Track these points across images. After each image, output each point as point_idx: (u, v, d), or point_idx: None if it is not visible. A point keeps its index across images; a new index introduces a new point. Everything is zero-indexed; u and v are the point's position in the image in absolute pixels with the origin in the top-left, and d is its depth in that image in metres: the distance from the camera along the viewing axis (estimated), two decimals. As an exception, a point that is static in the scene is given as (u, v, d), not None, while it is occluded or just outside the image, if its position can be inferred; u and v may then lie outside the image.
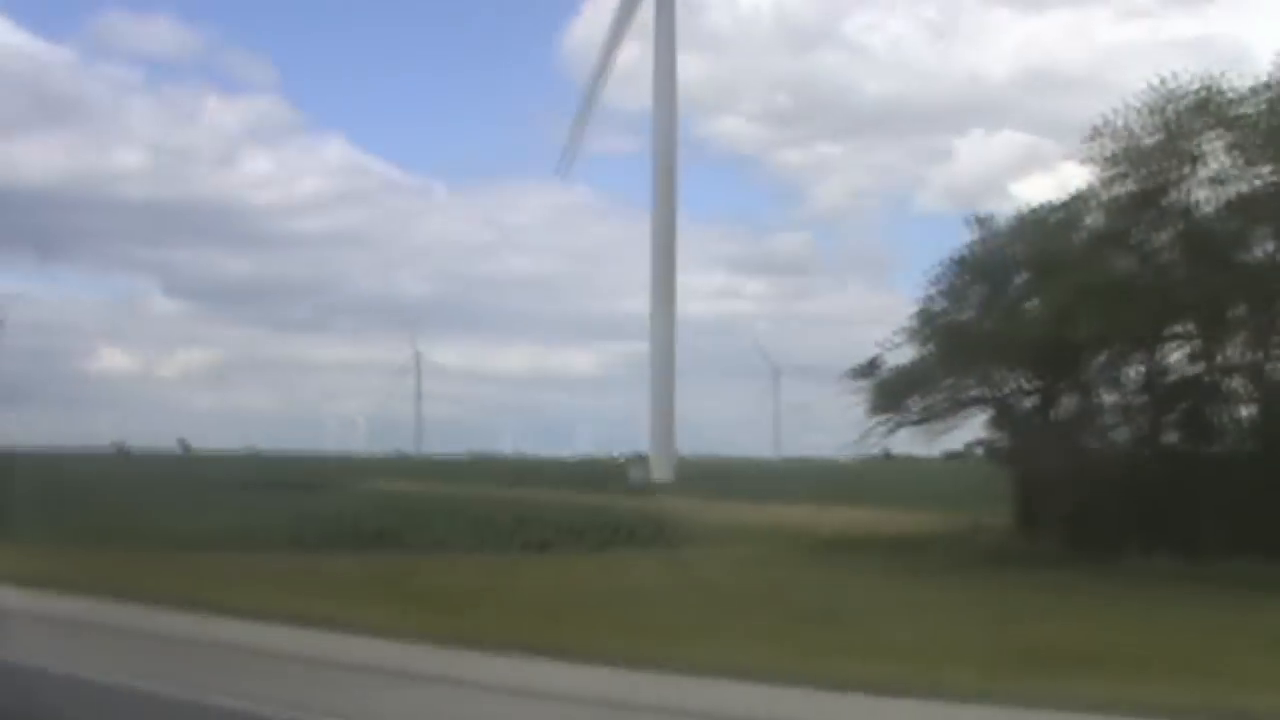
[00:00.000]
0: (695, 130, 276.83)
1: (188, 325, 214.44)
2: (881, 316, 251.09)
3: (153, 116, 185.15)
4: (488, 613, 13.52)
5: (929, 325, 22.65)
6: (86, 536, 21.81)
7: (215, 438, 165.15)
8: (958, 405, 22.81)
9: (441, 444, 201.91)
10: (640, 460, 57.87)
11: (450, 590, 16.09)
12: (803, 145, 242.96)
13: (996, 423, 23.29)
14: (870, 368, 23.57)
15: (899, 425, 23.28)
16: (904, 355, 23.54)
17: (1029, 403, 22.48)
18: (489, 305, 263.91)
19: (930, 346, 22.80)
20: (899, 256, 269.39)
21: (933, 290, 22.80)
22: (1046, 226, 21.45)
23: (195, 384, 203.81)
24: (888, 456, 46.54)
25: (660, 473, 54.41)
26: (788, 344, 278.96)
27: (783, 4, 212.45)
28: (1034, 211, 22.10)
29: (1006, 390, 22.51)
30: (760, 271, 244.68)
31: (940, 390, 22.72)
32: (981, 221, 22.73)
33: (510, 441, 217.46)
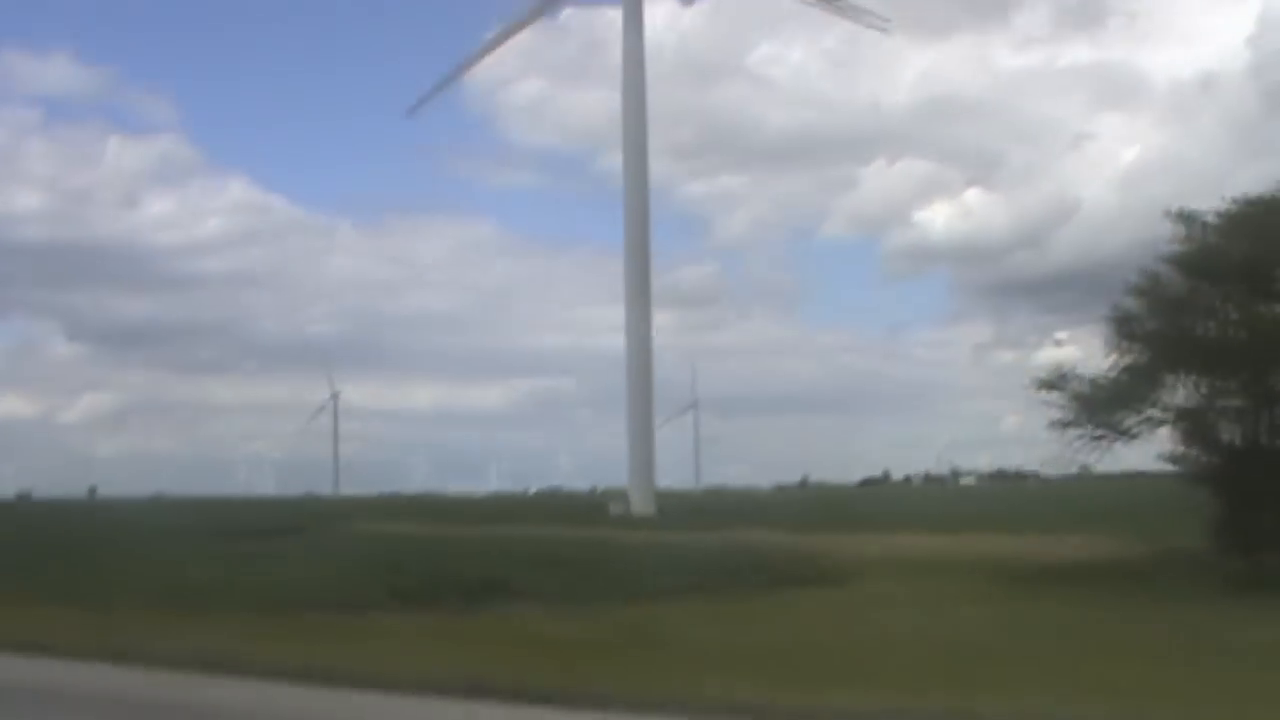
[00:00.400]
0: (598, 164, 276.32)
1: (90, 369, 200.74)
2: (788, 346, 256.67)
3: (51, 157, 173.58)
4: (819, 673, 11.45)
5: (1135, 331, 20.73)
6: (115, 597, 18.28)
7: (120, 484, 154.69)
8: (1165, 418, 20.88)
9: (351, 484, 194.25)
10: (620, 494, 54.85)
11: (731, 647, 13.62)
12: (707, 178, 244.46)
13: (1194, 436, 21.42)
14: (1061, 380, 21.48)
15: (1098, 439, 21.20)
16: (1089, 367, 21.62)
17: (1244, 414, 20.68)
18: (396, 343, 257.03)
19: (1133, 355, 20.87)
20: (805, 286, 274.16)
21: (1134, 294, 20.93)
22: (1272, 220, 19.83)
23: (98, 429, 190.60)
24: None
25: (641, 506, 51.63)
26: (694, 376, 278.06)
27: (685, 37, 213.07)
28: (1251, 205, 20.46)
29: (1224, 401, 20.66)
30: (666, 304, 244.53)
31: (1146, 402, 20.77)
32: (1185, 218, 20.94)
33: (421, 480, 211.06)
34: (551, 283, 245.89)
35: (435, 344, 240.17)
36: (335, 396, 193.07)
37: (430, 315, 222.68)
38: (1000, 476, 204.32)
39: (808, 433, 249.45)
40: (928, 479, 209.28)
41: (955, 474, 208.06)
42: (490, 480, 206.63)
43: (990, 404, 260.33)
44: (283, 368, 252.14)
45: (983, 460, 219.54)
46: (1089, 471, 32.86)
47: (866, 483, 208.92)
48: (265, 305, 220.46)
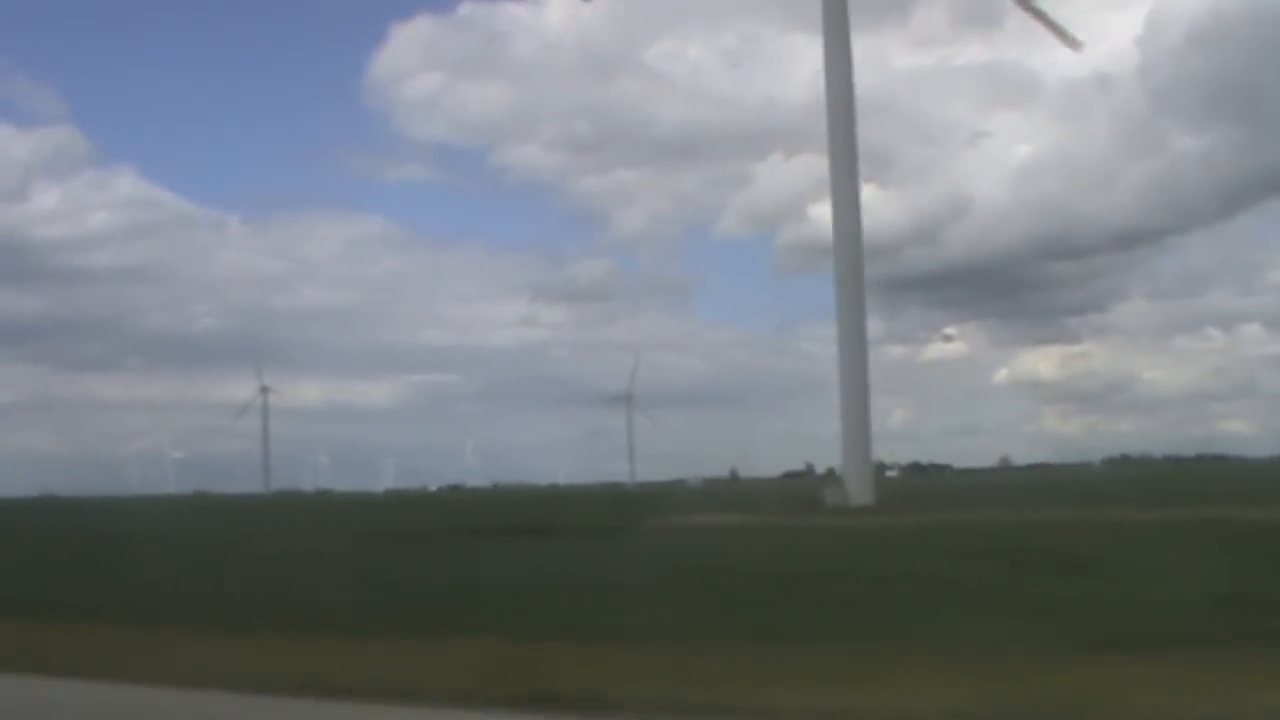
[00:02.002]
0: (494, 159, 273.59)
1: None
2: (680, 340, 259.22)
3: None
4: None
5: None
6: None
7: (3, 484, 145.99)
8: None
9: (241, 483, 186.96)
10: (836, 480, 56.41)
11: None
12: (603, 172, 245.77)
13: None
14: None
15: None
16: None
17: None
18: (283, 339, 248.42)
19: None
20: (700, 280, 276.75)
21: None
22: None
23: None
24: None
25: (859, 494, 53.23)
26: (587, 370, 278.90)
27: (585, 33, 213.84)
28: None
29: None
30: (561, 299, 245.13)
31: None
32: None
33: (311, 477, 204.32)
34: (441, 278, 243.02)
35: (322, 340, 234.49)
36: (265, 391, 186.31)
37: (318, 311, 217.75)
38: (917, 469, 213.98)
39: (696, 428, 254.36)
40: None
41: (881, 466, 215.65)
42: (385, 478, 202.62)
43: (879, 399, 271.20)
44: (168, 364, 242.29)
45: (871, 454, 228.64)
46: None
47: (790, 476, 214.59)
48: (152, 301, 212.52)
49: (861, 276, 55.85)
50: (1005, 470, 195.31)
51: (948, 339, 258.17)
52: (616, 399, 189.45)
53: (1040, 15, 60.07)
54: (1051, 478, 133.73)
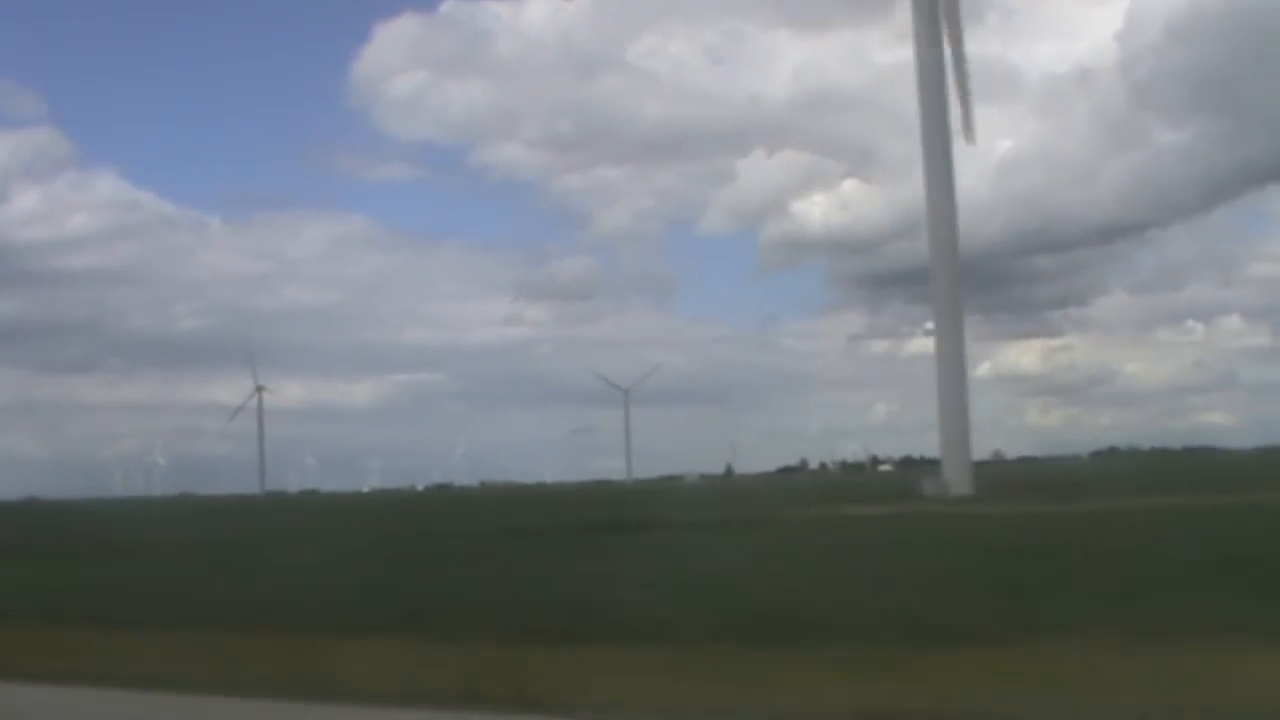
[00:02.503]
0: (476, 157, 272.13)
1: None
2: (662, 337, 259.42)
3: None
4: None
5: None
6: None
7: None
8: None
9: (226, 484, 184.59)
10: (934, 470, 57.23)
11: None
12: (584, 170, 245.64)
13: None
14: None
15: None
16: None
17: None
18: (265, 339, 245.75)
19: None
20: (683, 277, 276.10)
21: None
22: None
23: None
24: None
25: (958, 484, 54.06)
26: (570, 368, 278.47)
27: (568, 30, 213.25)
28: None
29: None
30: (544, 297, 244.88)
31: None
32: None
33: (296, 477, 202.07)
34: (424, 277, 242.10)
35: (305, 340, 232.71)
36: (259, 391, 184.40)
37: (301, 311, 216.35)
38: (908, 463, 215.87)
39: (682, 424, 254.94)
40: (845, 466, 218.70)
41: (875, 460, 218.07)
42: (371, 477, 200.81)
43: (860, 393, 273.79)
44: (150, 366, 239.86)
45: (849, 449, 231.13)
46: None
47: (785, 471, 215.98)
48: (133, 302, 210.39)
49: (955, 267, 56.95)
50: (999, 464, 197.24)
51: (929, 334, 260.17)
52: (610, 396, 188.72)
53: (964, 95, 59.23)
54: (1059, 470, 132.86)
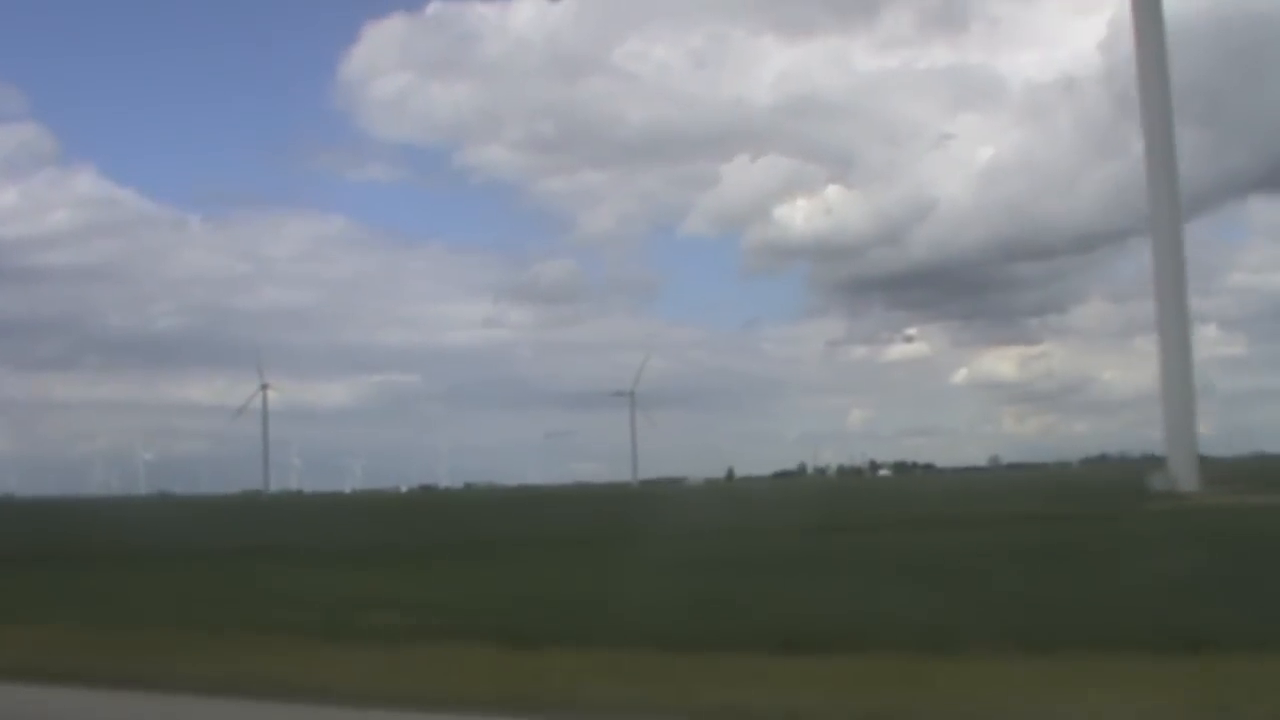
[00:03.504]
0: (459, 159, 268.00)
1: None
2: (643, 341, 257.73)
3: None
4: None
5: None
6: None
7: None
8: None
9: (205, 485, 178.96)
10: (1160, 464, 57.31)
11: None
12: (567, 173, 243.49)
13: None
14: None
15: None
16: None
17: None
18: (244, 338, 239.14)
19: None
20: (665, 281, 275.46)
21: None
22: None
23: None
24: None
25: (1186, 479, 54.27)
26: (550, 371, 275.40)
27: (554, 32, 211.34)
28: None
29: None
30: (525, 299, 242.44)
31: None
32: None
33: (279, 477, 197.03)
34: (404, 278, 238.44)
35: (285, 340, 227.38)
36: (264, 389, 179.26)
37: (280, 310, 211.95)
38: (901, 468, 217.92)
39: (667, 428, 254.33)
40: (841, 471, 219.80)
41: (874, 465, 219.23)
42: (352, 478, 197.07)
43: (838, 399, 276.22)
44: (127, 364, 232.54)
45: (827, 455, 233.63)
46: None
47: (782, 475, 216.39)
48: (112, 300, 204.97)
49: (1182, 261, 57.26)
50: (995, 469, 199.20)
51: (909, 339, 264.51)
52: (592, 400, 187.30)
53: None
54: (1070, 477, 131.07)
